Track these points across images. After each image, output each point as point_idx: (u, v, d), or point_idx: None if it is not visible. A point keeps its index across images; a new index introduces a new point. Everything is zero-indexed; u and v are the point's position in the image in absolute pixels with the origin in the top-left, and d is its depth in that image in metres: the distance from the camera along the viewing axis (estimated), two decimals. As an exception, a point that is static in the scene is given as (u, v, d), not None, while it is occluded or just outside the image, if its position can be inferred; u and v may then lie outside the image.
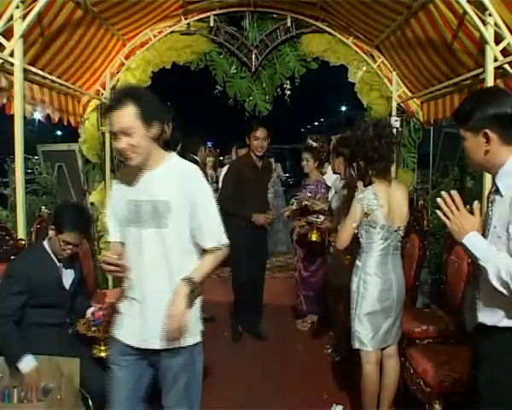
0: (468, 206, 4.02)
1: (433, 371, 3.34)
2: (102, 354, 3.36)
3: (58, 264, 3.45)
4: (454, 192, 2.21)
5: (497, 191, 2.22)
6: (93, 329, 3.32)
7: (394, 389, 3.60)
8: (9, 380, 3.12)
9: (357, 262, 3.55)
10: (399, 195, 3.52)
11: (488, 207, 2.28)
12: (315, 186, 5.65)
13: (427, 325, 4.07)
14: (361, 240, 3.50)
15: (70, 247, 3.38)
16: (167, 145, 4.37)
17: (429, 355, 3.54)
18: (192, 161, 5.80)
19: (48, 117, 5.09)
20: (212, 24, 6.05)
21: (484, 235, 2.23)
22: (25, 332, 3.26)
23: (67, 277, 3.52)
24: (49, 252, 3.42)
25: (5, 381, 3.11)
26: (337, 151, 4.88)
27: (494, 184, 2.25)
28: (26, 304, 3.26)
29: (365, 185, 3.57)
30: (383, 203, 3.39)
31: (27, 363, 3.12)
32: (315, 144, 5.83)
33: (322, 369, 4.73)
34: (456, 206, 2.22)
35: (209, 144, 7.56)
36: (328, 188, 5.62)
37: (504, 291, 2.05)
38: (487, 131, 2.15)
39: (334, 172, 5.13)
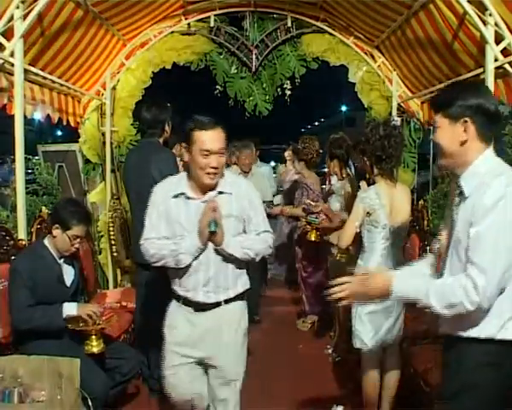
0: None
1: (434, 371, 3.34)
2: (94, 350, 3.36)
3: (59, 261, 3.47)
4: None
5: (461, 193, 2.13)
6: (81, 324, 3.33)
7: (395, 389, 3.60)
8: (9, 380, 3.11)
9: (359, 261, 3.55)
10: (402, 195, 3.52)
11: (453, 211, 2.19)
12: (302, 189, 5.69)
13: (427, 325, 4.07)
14: (363, 239, 3.50)
15: (78, 240, 3.49)
16: (166, 145, 4.40)
17: (429, 355, 3.54)
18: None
19: (48, 117, 5.09)
20: (212, 24, 6.05)
21: (449, 241, 2.21)
22: (26, 330, 3.29)
23: (68, 274, 3.54)
24: (50, 250, 3.44)
25: (5, 381, 3.11)
26: (331, 153, 4.88)
27: (458, 185, 2.14)
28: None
29: (368, 185, 3.58)
30: (385, 203, 3.39)
31: (69, 308, 3.36)
32: (298, 146, 5.83)
33: (323, 369, 4.73)
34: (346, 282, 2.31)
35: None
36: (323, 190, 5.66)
37: (455, 312, 2.03)
38: (468, 119, 2.06)
39: (330, 174, 5.14)
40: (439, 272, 2.30)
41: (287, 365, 4.85)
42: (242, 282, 2.94)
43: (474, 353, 2.06)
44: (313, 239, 4.96)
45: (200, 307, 2.87)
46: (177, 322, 2.94)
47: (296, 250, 5.99)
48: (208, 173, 2.73)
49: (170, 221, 2.85)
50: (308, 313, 5.93)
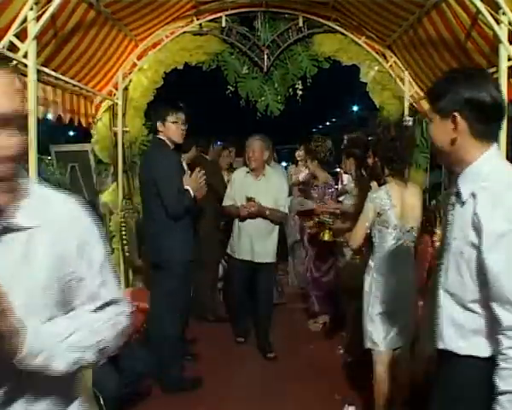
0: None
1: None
2: None
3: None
4: None
5: (458, 195, 1.90)
6: None
7: (407, 391, 3.58)
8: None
9: (370, 262, 3.54)
10: (413, 195, 3.51)
11: (449, 210, 1.96)
12: (322, 188, 5.66)
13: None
14: (374, 240, 3.49)
15: None
16: (179, 146, 4.44)
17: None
18: (204, 160, 5.91)
19: (59, 118, 5.12)
20: (224, 24, 6.06)
21: (444, 243, 1.96)
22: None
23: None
24: None
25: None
26: (348, 152, 4.86)
27: (456, 184, 1.92)
28: None
29: (379, 185, 3.57)
30: (396, 203, 3.38)
31: None
32: (311, 146, 5.82)
33: (334, 370, 4.72)
34: None
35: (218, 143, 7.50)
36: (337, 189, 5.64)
37: None
38: (456, 115, 1.85)
39: (345, 173, 5.14)
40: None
41: (298, 365, 4.84)
42: None
43: (473, 370, 1.85)
44: (327, 239, 4.96)
45: None
46: None
47: (308, 250, 5.97)
48: None
49: None
50: (318, 313, 5.91)
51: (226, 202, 5.32)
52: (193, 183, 4.24)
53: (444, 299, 1.93)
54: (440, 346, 1.95)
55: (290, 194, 7.07)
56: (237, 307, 5.57)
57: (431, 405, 2.03)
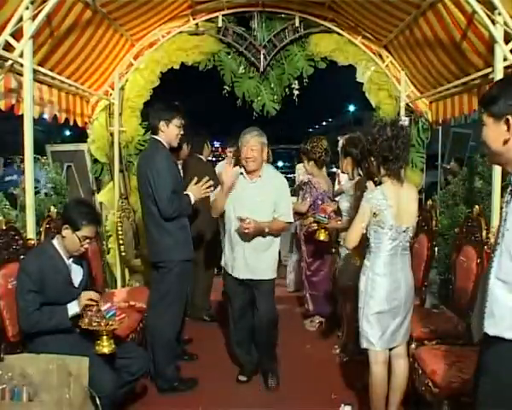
0: (476, 206, 4.03)
1: (442, 372, 3.32)
2: (105, 350, 3.36)
3: (67, 262, 3.48)
4: None
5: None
6: (94, 324, 3.33)
7: (403, 390, 3.59)
8: (18, 379, 3.12)
9: (366, 262, 3.54)
10: (409, 195, 3.50)
11: (502, 207, 2.20)
12: (305, 187, 5.75)
13: (435, 326, 4.06)
14: (370, 240, 3.49)
15: (88, 241, 3.49)
16: (174, 148, 4.44)
17: (438, 356, 3.52)
18: (199, 161, 5.90)
19: (55, 117, 5.11)
20: (220, 24, 6.06)
21: (498, 237, 2.15)
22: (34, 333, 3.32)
23: (77, 274, 3.55)
24: (59, 250, 3.46)
25: (14, 380, 3.12)
26: (345, 151, 4.86)
27: (510, 183, 2.16)
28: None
29: (375, 185, 3.57)
30: (392, 204, 3.37)
31: (72, 307, 3.39)
32: (306, 146, 5.83)
33: (331, 369, 4.72)
34: None
35: (217, 144, 7.46)
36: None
37: None
38: (510, 117, 2.07)
39: (342, 172, 5.14)
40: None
41: (294, 364, 4.84)
42: None
43: None
44: (322, 239, 4.92)
45: None
46: None
47: (302, 248, 5.97)
48: None
49: None
50: (312, 312, 5.90)
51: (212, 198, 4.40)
52: (197, 192, 4.26)
53: (495, 287, 2.10)
54: (491, 332, 2.08)
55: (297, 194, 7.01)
56: (235, 344, 4.62)
57: (477, 390, 2.19)
